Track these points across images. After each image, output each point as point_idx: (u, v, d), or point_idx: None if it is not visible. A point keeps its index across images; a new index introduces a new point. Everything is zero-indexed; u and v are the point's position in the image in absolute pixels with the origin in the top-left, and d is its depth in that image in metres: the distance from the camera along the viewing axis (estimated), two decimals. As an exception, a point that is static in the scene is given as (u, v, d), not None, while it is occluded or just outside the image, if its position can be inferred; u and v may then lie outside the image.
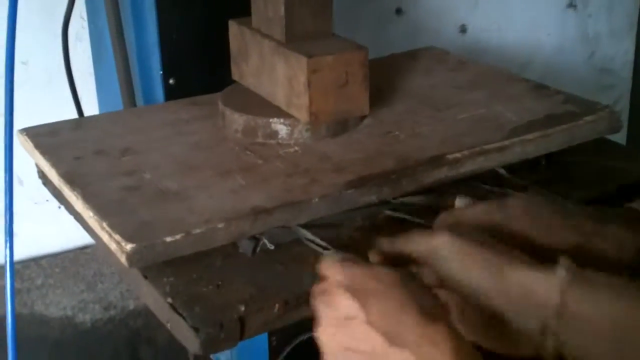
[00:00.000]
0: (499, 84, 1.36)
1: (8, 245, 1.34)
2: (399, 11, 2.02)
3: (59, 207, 1.11)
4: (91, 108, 1.60)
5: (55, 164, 1.07)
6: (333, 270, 0.76)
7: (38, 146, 1.12)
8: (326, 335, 0.75)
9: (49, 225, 1.76)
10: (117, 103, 1.41)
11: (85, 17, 1.59)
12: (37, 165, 1.16)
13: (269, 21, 1.16)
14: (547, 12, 2.29)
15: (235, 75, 1.27)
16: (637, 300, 0.73)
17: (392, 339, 0.70)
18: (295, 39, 1.13)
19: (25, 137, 1.15)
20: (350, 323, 0.73)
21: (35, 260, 1.77)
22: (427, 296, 0.74)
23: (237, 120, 1.16)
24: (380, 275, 0.75)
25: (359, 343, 0.72)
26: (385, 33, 2.00)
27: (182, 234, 0.90)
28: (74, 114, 1.51)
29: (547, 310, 0.74)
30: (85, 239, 1.37)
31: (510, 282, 0.76)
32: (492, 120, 1.20)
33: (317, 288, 0.77)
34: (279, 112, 1.15)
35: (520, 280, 0.76)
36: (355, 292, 0.73)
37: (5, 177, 1.31)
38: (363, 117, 1.19)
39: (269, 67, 1.17)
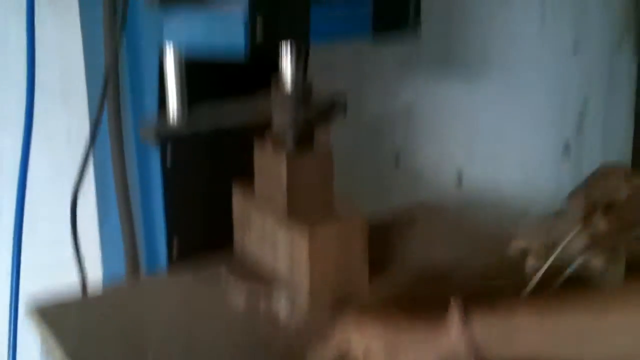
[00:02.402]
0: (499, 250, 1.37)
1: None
2: (397, 158, 2.06)
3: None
4: (95, 262, 1.61)
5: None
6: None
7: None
8: None
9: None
10: (122, 262, 1.43)
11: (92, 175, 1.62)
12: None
13: (271, 198, 1.20)
14: (542, 159, 2.34)
15: (237, 243, 1.29)
16: None
17: None
18: (297, 213, 1.18)
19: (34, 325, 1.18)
20: None
21: None
22: None
23: (240, 289, 1.19)
24: None
25: None
26: (384, 182, 2.03)
27: None
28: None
29: None
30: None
31: None
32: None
33: None
34: (280, 284, 1.18)
35: None
36: None
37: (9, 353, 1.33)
38: (364, 289, 1.22)
39: (270, 239, 1.20)
